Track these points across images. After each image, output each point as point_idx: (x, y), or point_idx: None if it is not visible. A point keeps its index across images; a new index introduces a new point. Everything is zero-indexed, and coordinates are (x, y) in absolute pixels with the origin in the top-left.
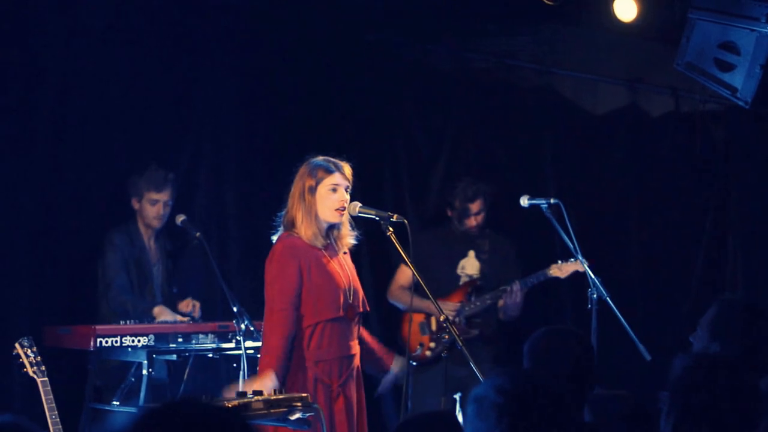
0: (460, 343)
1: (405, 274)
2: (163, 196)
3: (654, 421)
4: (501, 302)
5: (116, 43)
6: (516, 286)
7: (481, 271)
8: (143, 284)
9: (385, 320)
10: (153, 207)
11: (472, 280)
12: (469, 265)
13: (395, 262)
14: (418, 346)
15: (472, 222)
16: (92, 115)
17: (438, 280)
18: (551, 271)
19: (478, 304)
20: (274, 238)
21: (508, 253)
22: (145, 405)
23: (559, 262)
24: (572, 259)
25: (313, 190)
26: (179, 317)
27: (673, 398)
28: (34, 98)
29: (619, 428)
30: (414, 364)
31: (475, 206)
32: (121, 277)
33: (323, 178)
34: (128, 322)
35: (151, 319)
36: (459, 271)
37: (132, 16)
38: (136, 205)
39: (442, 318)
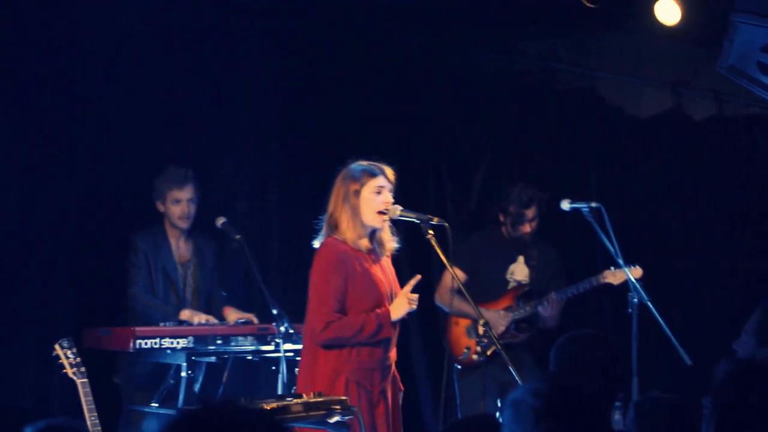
0: (499, 348)
1: (450, 277)
2: (186, 194)
3: (696, 426)
4: (545, 310)
5: (157, 49)
6: (553, 297)
7: (530, 276)
8: (168, 286)
9: (426, 324)
10: (177, 206)
11: (521, 285)
12: (518, 271)
13: (436, 265)
14: (465, 350)
15: (527, 228)
16: (133, 120)
17: (486, 283)
18: (605, 279)
19: (527, 309)
20: (317, 243)
21: (555, 261)
22: (183, 407)
23: (612, 268)
24: (628, 267)
25: (357, 193)
26: (210, 318)
27: (715, 404)
28: (75, 105)
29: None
30: (459, 367)
31: (530, 212)
32: (143, 278)
33: (368, 182)
34: (165, 324)
35: (179, 321)
36: (508, 276)
37: (172, 21)
38: (161, 208)
39: (481, 322)
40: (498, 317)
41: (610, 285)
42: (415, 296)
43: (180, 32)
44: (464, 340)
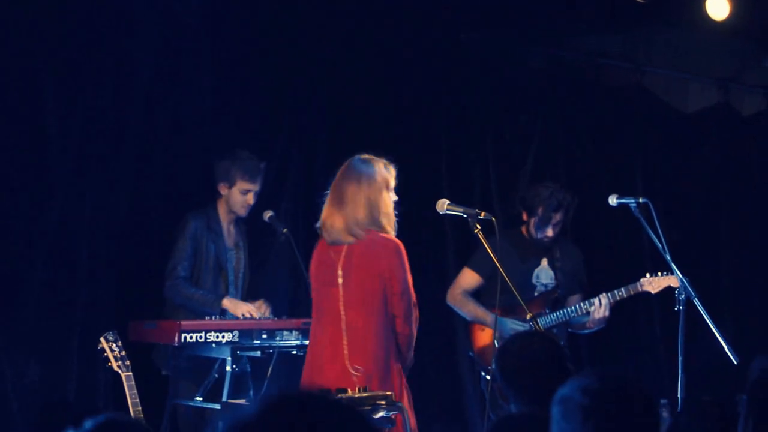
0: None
1: (468, 278)
2: (255, 186)
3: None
4: (590, 317)
5: (208, 37)
6: (605, 300)
7: (556, 279)
8: (217, 271)
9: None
10: (244, 196)
11: (550, 291)
12: (544, 274)
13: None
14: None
15: (550, 233)
16: (180, 111)
17: (508, 288)
18: (642, 287)
19: (557, 315)
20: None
21: (578, 261)
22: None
23: (648, 275)
24: (665, 273)
25: (389, 189)
26: (251, 308)
27: (750, 401)
28: (123, 93)
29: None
30: (488, 378)
31: (558, 216)
32: (185, 267)
33: (389, 178)
34: (213, 317)
35: (222, 311)
36: (534, 280)
37: (226, 10)
38: (224, 191)
39: (528, 317)
40: (515, 327)
41: (648, 293)
42: None
43: (233, 23)
44: (494, 347)
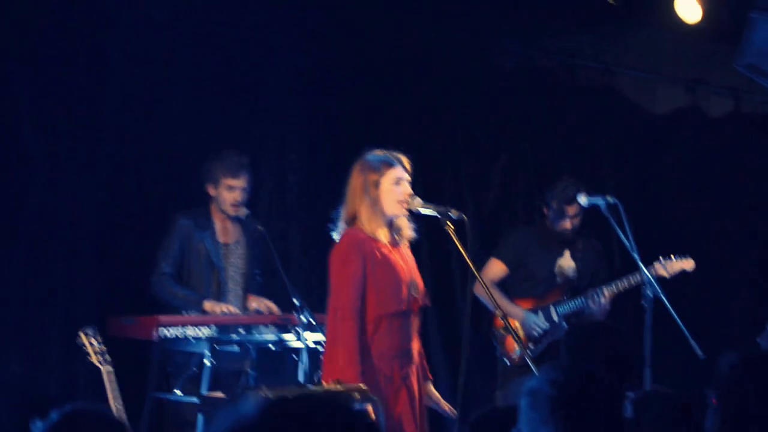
0: (516, 338)
1: (495, 268)
2: (241, 182)
3: (699, 419)
4: (592, 309)
5: (181, 33)
6: (605, 291)
7: (577, 270)
8: (209, 269)
9: (444, 317)
10: (230, 194)
11: (568, 280)
12: (566, 265)
13: (455, 259)
14: (517, 348)
15: (567, 225)
16: (156, 105)
17: (535, 278)
18: (657, 272)
19: (571, 305)
20: (335, 235)
21: (600, 254)
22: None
23: (661, 259)
24: (680, 257)
25: (377, 184)
26: (229, 308)
27: (718, 397)
28: (99, 88)
29: (663, 425)
30: (508, 364)
31: (572, 209)
32: (170, 265)
33: (386, 172)
34: (188, 313)
35: (203, 311)
36: (556, 270)
37: (198, 5)
38: (212, 192)
39: (499, 314)
40: (534, 319)
41: (663, 278)
42: None
43: (202, 23)
44: (521, 335)
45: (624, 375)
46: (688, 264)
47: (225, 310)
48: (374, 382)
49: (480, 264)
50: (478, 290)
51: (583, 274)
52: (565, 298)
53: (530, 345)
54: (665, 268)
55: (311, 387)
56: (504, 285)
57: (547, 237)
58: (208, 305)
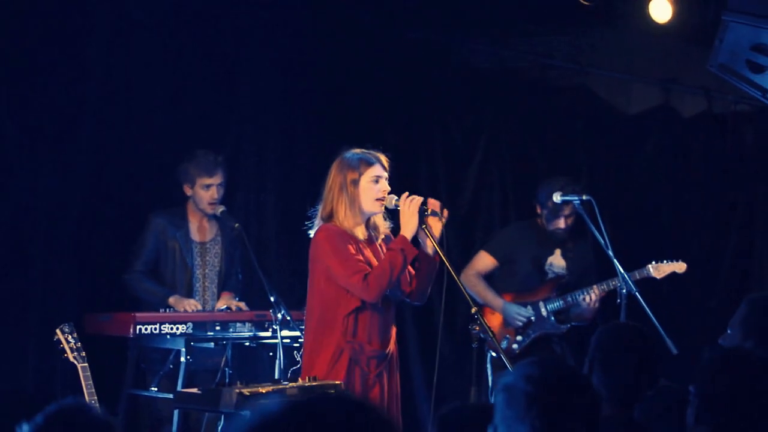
0: (491, 335)
1: (484, 260)
2: (216, 180)
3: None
4: (581, 308)
5: (158, 32)
6: (596, 290)
7: (567, 269)
8: (182, 266)
9: (420, 314)
10: (207, 192)
11: (558, 277)
12: (556, 263)
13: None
14: (504, 340)
15: (561, 224)
16: (134, 104)
17: (524, 274)
18: (649, 273)
19: (561, 301)
20: (312, 232)
21: (589, 255)
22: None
23: (654, 262)
24: (672, 260)
25: (356, 183)
26: (194, 304)
27: (696, 389)
28: (79, 88)
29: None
30: (494, 355)
31: (567, 208)
32: (143, 262)
33: (365, 171)
34: (167, 310)
35: (167, 307)
36: (546, 267)
37: (177, 5)
38: (188, 192)
39: (473, 310)
40: (516, 308)
41: (653, 279)
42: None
43: (182, 19)
44: (503, 330)
45: (644, 380)
46: (679, 267)
47: (188, 307)
48: (349, 375)
49: (456, 261)
50: (465, 280)
51: (573, 274)
52: (555, 295)
53: (517, 337)
54: (657, 270)
55: (287, 383)
56: (491, 278)
57: (538, 234)
58: (172, 300)
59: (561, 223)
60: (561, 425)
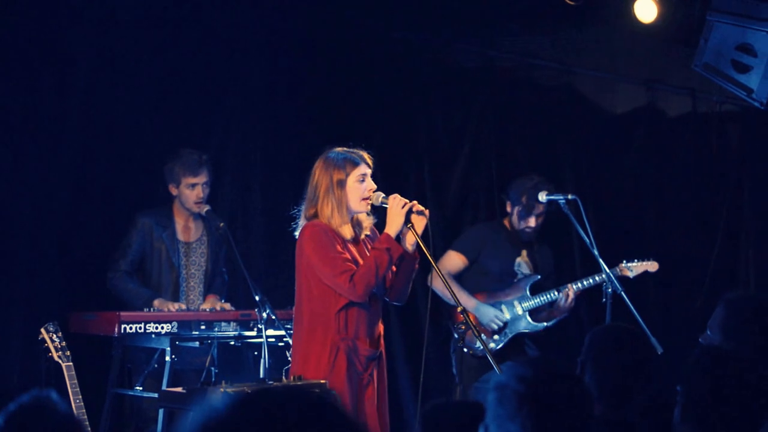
0: (476, 333)
1: (454, 260)
2: (201, 179)
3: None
4: (556, 306)
5: (144, 31)
6: (571, 289)
7: (534, 270)
8: (168, 266)
9: (405, 312)
10: (192, 191)
11: (529, 276)
12: (525, 263)
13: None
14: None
15: (532, 222)
16: (120, 103)
17: (495, 274)
18: (622, 272)
19: (536, 300)
20: (296, 232)
21: (550, 259)
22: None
23: (625, 262)
24: (644, 259)
25: (342, 183)
26: (178, 306)
27: (683, 388)
28: (65, 86)
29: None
30: (467, 351)
31: (539, 207)
32: (126, 262)
33: (351, 170)
34: (150, 309)
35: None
36: (516, 267)
37: (161, 5)
38: (174, 191)
39: (459, 309)
40: (494, 312)
41: (626, 278)
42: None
43: (168, 18)
44: (480, 329)
45: (633, 383)
46: (651, 266)
47: (172, 308)
48: (343, 374)
49: (439, 259)
50: (436, 284)
51: (539, 273)
52: (529, 293)
53: (494, 336)
54: (629, 270)
55: (271, 382)
56: (460, 279)
57: (506, 235)
58: (157, 303)
59: (532, 222)
60: (552, 425)
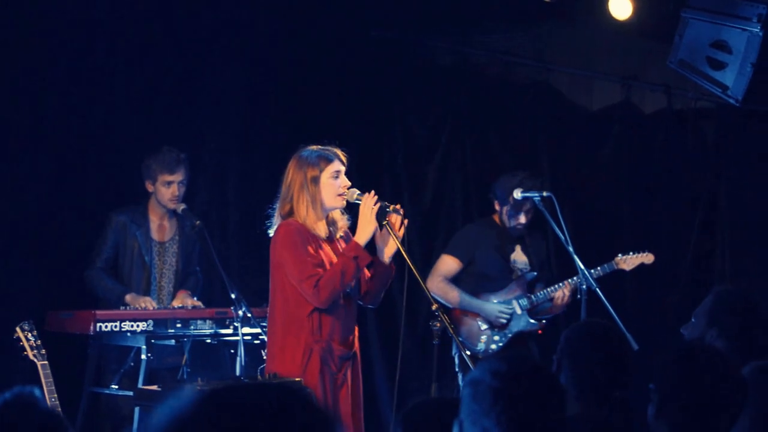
0: (450, 332)
1: (449, 264)
2: (177, 177)
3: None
4: (554, 302)
5: (122, 32)
6: (567, 285)
7: (530, 264)
8: (140, 264)
9: (381, 311)
10: (168, 189)
11: (527, 273)
12: (519, 259)
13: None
14: (481, 341)
15: (522, 219)
16: (97, 102)
17: (491, 273)
18: (618, 265)
19: (533, 298)
20: (271, 231)
21: (545, 249)
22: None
23: (620, 255)
24: (640, 252)
25: (316, 180)
26: (149, 302)
27: (656, 385)
28: (40, 86)
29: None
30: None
31: (527, 203)
32: (103, 260)
33: (325, 167)
34: (125, 307)
35: (125, 305)
36: (512, 264)
37: (138, 4)
38: (150, 188)
39: (434, 307)
40: (499, 307)
41: (622, 271)
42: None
43: (142, 21)
44: (480, 331)
45: (612, 380)
46: (647, 258)
47: (145, 304)
48: (318, 375)
49: (418, 258)
50: (434, 288)
51: (535, 268)
52: (526, 292)
53: (494, 337)
54: (626, 262)
55: (246, 380)
56: (457, 281)
57: (498, 232)
58: (128, 298)
59: (522, 219)
60: (526, 421)
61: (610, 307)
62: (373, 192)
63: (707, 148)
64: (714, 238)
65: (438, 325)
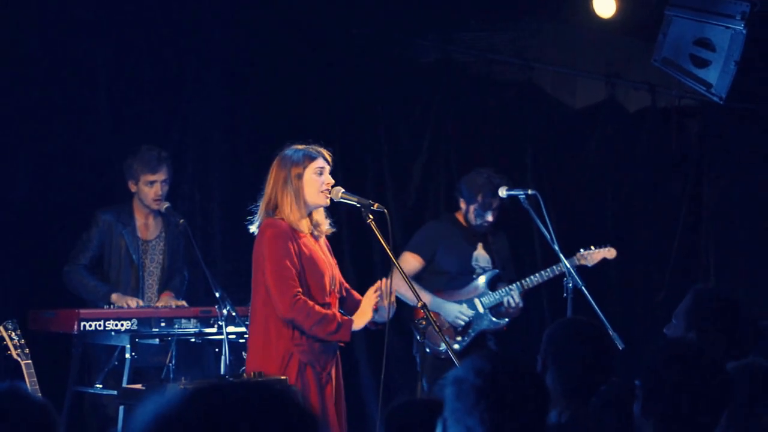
0: (437, 330)
1: (411, 261)
2: (160, 176)
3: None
4: (509, 304)
5: (104, 27)
6: (515, 292)
7: (492, 262)
8: (128, 263)
9: None
10: (151, 188)
11: (488, 271)
12: (482, 258)
13: (377, 251)
14: (452, 340)
15: (490, 218)
16: (78, 100)
17: (452, 272)
18: (579, 261)
19: (496, 296)
20: (253, 228)
21: (507, 247)
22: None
23: (581, 251)
24: (602, 246)
25: (300, 176)
26: (136, 301)
27: (642, 382)
28: (22, 84)
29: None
30: (429, 351)
31: (496, 201)
32: (86, 257)
33: (309, 164)
34: (111, 306)
35: (110, 304)
36: (473, 263)
37: (120, 2)
38: (133, 188)
39: (419, 305)
40: (459, 309)
41: (584, 267)
42: (374, 300)
43: (125, 20)
44: (442, 325)
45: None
46: (609, 253)
47: (131, 303)
48: (306, 375)
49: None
50: (397, 285)
51: (497, 266)
52: (488, 290)
53: (457, 337)
54: (586, 258)
55: (231, 379)
56: (418, 279)
57: (461, 230)
58: (115, 297)
59: (490, 218)
60: (509, 419)
61: (595, 306)
62: (377, 287)
63: (691, 146)
64: (698, 236)
65: (423, 323)
